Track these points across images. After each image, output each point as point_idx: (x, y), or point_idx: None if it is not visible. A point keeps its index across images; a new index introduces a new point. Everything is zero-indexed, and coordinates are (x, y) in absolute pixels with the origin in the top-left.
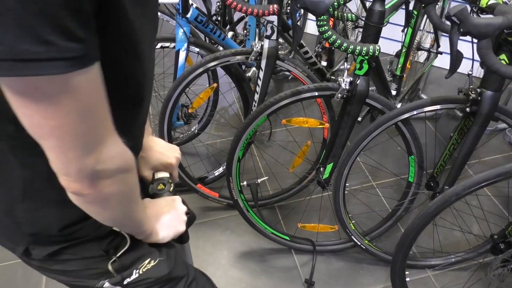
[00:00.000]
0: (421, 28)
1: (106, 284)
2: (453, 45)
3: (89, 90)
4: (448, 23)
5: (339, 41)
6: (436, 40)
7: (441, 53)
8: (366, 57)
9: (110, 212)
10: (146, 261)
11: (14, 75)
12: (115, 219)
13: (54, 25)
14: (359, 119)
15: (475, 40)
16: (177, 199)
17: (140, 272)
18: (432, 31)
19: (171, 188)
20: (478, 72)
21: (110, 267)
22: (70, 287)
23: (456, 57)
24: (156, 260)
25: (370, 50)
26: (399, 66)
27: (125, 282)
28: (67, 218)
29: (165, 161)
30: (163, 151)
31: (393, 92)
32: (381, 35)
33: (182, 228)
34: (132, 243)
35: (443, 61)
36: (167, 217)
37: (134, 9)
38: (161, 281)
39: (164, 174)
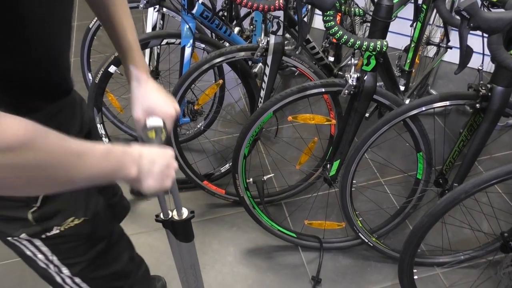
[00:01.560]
0: (431, 22)
1: (24, 235)
2: (462, 40)
3: None
4: (458, 17)
5: (346, 37)
6: (446, 34)
7: (451, 47)
8: (374, 53)
9: (31, 189)
10: (69, 219)
11: None
12: (52, 188)
13: None
14: (367, 115)
15: (485, 35)
16: (171, 151)
17: (62, 229)
18: (441, 25)
19: (163, 138)
20: (489, 67)
21: (29, 216)
22: None
23: (466, 52)
24: (81, 219)
25: (378, 45)
26: (408, 61)
27: (43, 236)
28: None
29: (164, 106)
30: (162, 95)
31: (402, 88)
32: (390, 29)
33: (168, 183)
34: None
35: (452, 56)
36: (158, 167)
37: None
38: (80, 240)
39: (157, 122)
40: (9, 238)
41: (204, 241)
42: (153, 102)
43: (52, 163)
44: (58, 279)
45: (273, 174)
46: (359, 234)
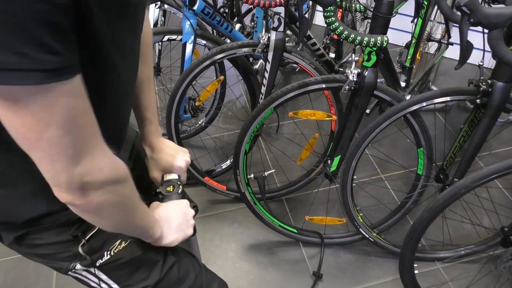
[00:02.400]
0: (432, 18)
1: (78, 266)
2: (463, 35)
3: (70, 102)
4: (458, 13)
5: (346, 32)
6: (447, 30)
7: (452, 44)
8: (374, 49)
9: (107, 220)
10: (117, 243)
11: None
12: (115, 226)
13: (28, 38)
14: (368, 111)
15: (486, 31)
16: (186, 202)
17: (112, 254)
18: (443, 21)
19: (180, 190)
20: (490, 63)
21: (80, 250)
22: (45, 265)
23: (466, 48)
24: (127, 241)
25: (378, 41)
26: (409, 57)
27: (97, 264)
28: (35, 210)
29: (175, 163)
30: (172, 153)
31: (403, 84)
32: (391, 25)
33: (190, 232)
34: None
35: (454, 52)
36: (176, 221)
37: (112, 27)
38: (134, 262)
39: (173, 176)
40: (70, 273)
41: (205, 237)
42: (166, 160)
43: (129, 198)
44: None
45: (273, 170)
46: (360, 229)
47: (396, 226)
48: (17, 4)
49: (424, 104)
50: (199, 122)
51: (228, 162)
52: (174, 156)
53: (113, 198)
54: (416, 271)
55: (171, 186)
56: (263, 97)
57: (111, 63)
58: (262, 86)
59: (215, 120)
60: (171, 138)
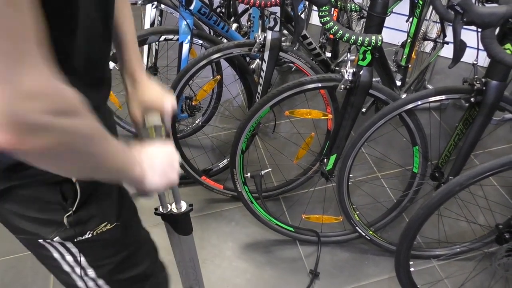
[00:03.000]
0: (427, 18)
1: (57, 238)
2: (456, 34)
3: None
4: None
5: (341, 32)
6: (442, 30)
7: (447, 43)
8: (369, 48)
9: (69, 166)
10: (102, 225)
11: None
12: (81, 171)
13: None
14: (364, 110)
15: (479, 29)
16: (170, 145)
17: (94, 234)
18: (438, 21)
19: (163, 133)
20: (486, 62)
21: (65, 220)
22: (22, 241)
23: (460, 47)
24: (113, 224)
25: (373, 40)
26: (404, 56)
27: (75, 240)
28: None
29: (160, 100)
30: (158, 93)
31: (398, 83)
32: (387, 25)
33: (174, 176)
34: (87, 198)
35: (449, 51)
36: (160, 163)
37: None
38: (110, 243)
39: (156, 119)
40: (40, 241)
41: (203, 236)
42: (149, 98)
43: (91, 137)
44: (80, 283)
45: (270, 169)
46: (357, 227)
47: (392, 224)
48: None
49: (419, 102)
50: (196, 122)
51: (225, 161)
52: (160, 96)
53: (66, 136)
54: (412, 269)
55: (153, 128)
56: (259, 96)
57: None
58: (259, 86)
59: (212, 119)
60: (169, 136)
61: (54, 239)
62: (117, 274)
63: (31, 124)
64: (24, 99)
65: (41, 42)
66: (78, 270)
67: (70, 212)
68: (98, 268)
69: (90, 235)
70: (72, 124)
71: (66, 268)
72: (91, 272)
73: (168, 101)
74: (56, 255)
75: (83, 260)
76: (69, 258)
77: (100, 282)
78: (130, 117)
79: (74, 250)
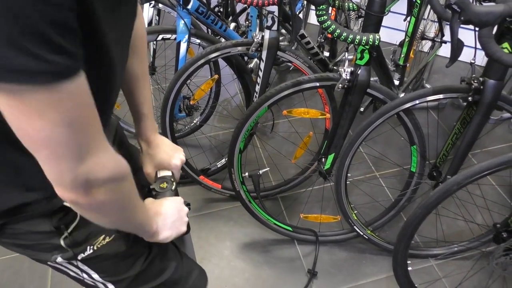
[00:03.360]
0: (425, 17)
1: (59, 259)
2: (453, 33)
3: (76, 100)
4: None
5: (339, 31)
6: (440, 29)
7: (445, 42)
8: (367, 47)
9: (108, 217)
10: (101, 238)
11: (2, 81)
12: (114, 223)
13: (38, 38)
14: (362, 109)
15: (477, 28)
16: (180, 199)
17: (95, 248)
18: (436, 20)
19: (173, 187)
20: (485, 61)
21: (62, 242)
22: (26, 255)
23: (457, 46)
24: (112, 236)
25: (370, 39)
26: (402, 55)
27: (79, 258)
28: (12, 200)
29: (170, 160)
30: (168, 150)
31: (396, 82)
32: (385, 24)
33: (183, 229)
34: (83, 219)
35: (447, 51)
36: (170, 218)
37: (107, 21)
38: (118, 256)
39: (167, 173)
40: (49, 263)
41: (201, 236)
42: (161, 157)
43: (131, 196)
44: None
45: (268, 168)
46: (355, 227)
47: (390, 223)
48: (26, 5)
49: (417, 102)
50: (194, 121)
51: (223, 161)
52: (170, 154)
53: (115, 195)
54: (409, 268)
55: (165, 183)
56: (257, 95)
57: (109, 57)
58: (257, 85)
59: (210, 119)
60: (165, 137)
61: (58, 260)
62: (139, 285)
63: (92, 187)
64: (91, 172)
65: (101, 127)
66: (100, 285)
67: (66, 234)
68: (116, 283)
69: (91, 251)
70: (122, 186)
71: (89, 282)
72: (111, 287)
73: (177, 158)
74: (72, 274)
75: (97, 277)
76: (85, 275)
77: None
78: (144, 173)
79: (85, 268)
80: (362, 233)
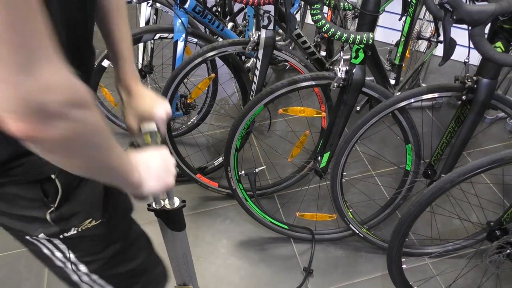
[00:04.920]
0: (421, 17)
1: (42, 235)
2: (446, 32)
3: None
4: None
5: (333, 30)
6: (436, 29)
7: (441, 42)
8: (361, 46)
9: (77, 158)
10: (87, 221)
11: None
12: (86, 166)
13: None
14: (358, 108)
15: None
16: (165, 150)
17: (79, 230)
18: (432, 20)
19: (158, 140)
20: (479, 60)
21: (48, 217)
22: (14, 237)
23: (450, 45)
24: (98, 220)
25: (364, 38)
26: (398, 55)
27: (61, 236)
28: (5, 154)
29: (154, 112)
30: (152, 100)
31: (392, 82)
32: (381, 24)
33: (170, 180)
34: (68, 195)
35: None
36: (155, 168)
37: None
38: (97, 239)
39: (151, 126)
40: (27, 237)
41: (197, 234)
42: (144, 107)
43: (99, 129)
44: (75, 277)
45: (264, 167)
46: (350, 225)
47: (385, 222)
48: None
49: (411, 100)
50: (191, 120)
51: (220, 159)
52: (154, 104)
53: (78, 126)
54: (404, 266)
55: (149, 136)
56: (254, 94)
57: None
58: (253, 84)
59: (208, 117)
60: (165, 142)
61: (39, 236)
62: (109, 269)
63: (48, 114)
64: (43, 91)
65: (50, 35)
66: (69, 265)
67: (52, 208)
68: (89, 263)
69: (75, 232)
70: (84, 115)
71: (58, 263)
72: (83, 268)
73: (161, 109)
74: (46, 251)
75: (72, 256)
76: (58, 254)
77: (94, 276)
78: (126, 126)
79: (62, 246)
80: (357, 232)
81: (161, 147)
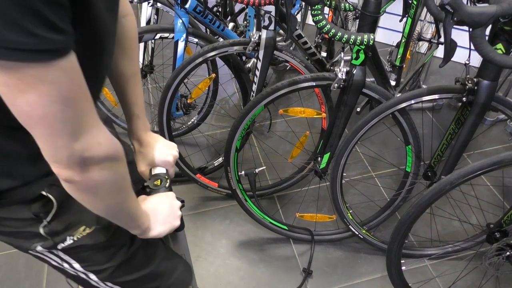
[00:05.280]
0: (422, 18)
1: (39, 247)
2: (447, 34)
3: (70, 78)
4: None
5: (334, 30)
6: (437, 30)
7: (442, 43)
8: (362, 47)
9: (102, 200)
10: (81, 229)
11: (2, 58)
12: (107, 207)
13: (37, 17)
14: (358, 109)
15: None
16: (172, 194)
17: (75, 239)
18: (433, 21)
19: (167, 184)
20: (480, 62)
21: (41, 231)
22: (7, 243)
23: (450, 46)
24: (92, 228)
25: (365, 39)
26: (399, 56)
27: (59, 247)
28: None
29: (163, 158)
30: (161, 147)
31: (393, 83)
32: (382, 25)
33: (177, 223)
34: (62, 208)
35: None
36: (163, 213)
37: (100, 3)
38: (98, 248)
39: (161, 170)
40: (30, 252)
41: (197, 234)
42: (153, 155)
43: (124, 179)
44: (93, 282)
45: (264, 167)
46: (350, 226)
47: (385, 223)
48: None
49: (412, 101)
50: (192, 120)
51: (220, 159)
52: (163, 151)
53: (110, 175)
54: (403, 267)
55: (159, 180)
56: (254, 94)
57: (100, 39)
58: (254, 84)
59: (208, 117)
60: (163, 135)
61: (38, 249)
62: (120, 277)
63: (88, 165)
64: (87, 150)
65: (93, 105)
66: (81, 274)
67: (45, 223)
68: (97, 273)
69: (71, 241)
70: (117, 166)
71: (71, 272)
72: (93, 276)
73: (169, 156)
74: (54, 263)
75: (78, 266)
76: (66, 265)
77: (109, 284)
78: (139, 171)
79: (66, 257)
80: (357, 233)
81: (168, 192)
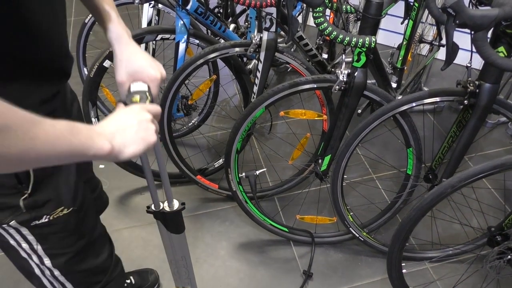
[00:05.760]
0: (424, 20)
1: (13, 222)
2: (449, 36)
3: None
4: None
5: (335, 33)
6: (438, 32)
7: (443, 45)
8: (363, 49)
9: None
10: (59, 209)
11: None
12: (21, 165)
13: None
14: (359, 111)
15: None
16: (137, 107)
17: (51, 218)
18: (435, 23)
19: (148, 103)
20: (481, 65)
21: (21, 203)
22: None
23: (452, 49)
24: (70, 209)
25: (366, 41)
26: (400, 58)
27: (32, 224)
28: None
29: (148, 71)
30: (148, 60)
31: (394, 85)
32: (384, 27)
33: (152, 138)
34: (41, 183)
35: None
36: (131, 130)
37: None
38: (68, 230)
39: (142, 86)
40: None
41: (197, 235)
42: (138, 65)
43: (12, 128)
44: (37, 271)
45: (265, 169)
46: (350, 228)
47: (386, 225)
48: None
49: (413, 104)
50: (192, 121)
51: (221, 161)
52: (148, 62)
53: None
54: (404, 270)
55: (138, 97)
56: (255, 96)
57: None
58: (255, 86)
59: (209, 119)
60: (163, 136)
61: (11, 223)
62: (73, 265)
63: None
64: None
65: None
66: (35, 258)
67: (26, 195)
68: (54, 257)
69: (46, 220)
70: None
71: (24, 255)
72: (47, 262)
73: (156, 70)
74: (12, 242)
75: (39, 248)
76: (25, 245)
77: (56, 272)
78: (117, 82)
79: (31, 237)
80: (357, 235)
81: (132, 105)
